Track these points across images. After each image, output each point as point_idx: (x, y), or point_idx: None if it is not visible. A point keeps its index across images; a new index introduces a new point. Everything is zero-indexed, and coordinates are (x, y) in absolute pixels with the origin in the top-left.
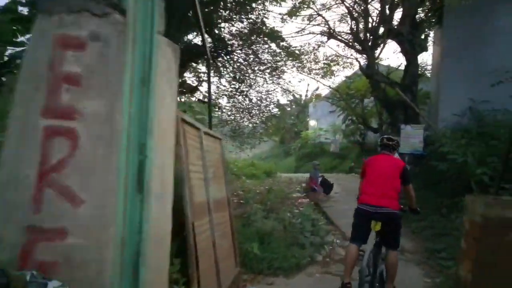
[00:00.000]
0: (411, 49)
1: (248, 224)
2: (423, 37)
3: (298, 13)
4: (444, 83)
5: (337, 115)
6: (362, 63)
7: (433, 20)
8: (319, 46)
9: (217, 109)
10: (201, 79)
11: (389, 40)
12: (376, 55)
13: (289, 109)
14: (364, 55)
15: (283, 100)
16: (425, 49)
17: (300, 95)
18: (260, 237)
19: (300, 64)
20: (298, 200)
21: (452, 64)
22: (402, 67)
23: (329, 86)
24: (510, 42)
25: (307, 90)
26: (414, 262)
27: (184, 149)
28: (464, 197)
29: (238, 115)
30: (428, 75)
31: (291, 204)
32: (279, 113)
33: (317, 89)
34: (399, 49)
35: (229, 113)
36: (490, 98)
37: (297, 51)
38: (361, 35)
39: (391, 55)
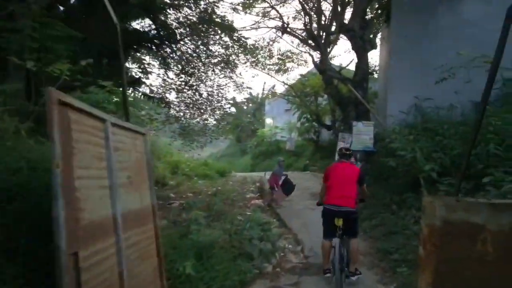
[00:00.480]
0: (362, 46)
1: (187, 235)
2: (372, 36)
3: (253, 6)
4: (391, 81)
5: (293, 113)
6: (315, 59)
7: (382, 18)
8: (273, 41)
9: (163, 105)
10: (146, 70)
11: (342, 37)
12: (329, 51)
13: (245, 107)
14: (318, 52)
15: (240, 98)
16: (374, 46)
17: (258, 93)
18: (197, 252)
19: (254, 59)
20: (251, 202)
21: (399, 62)
22: (353, 65)
23: (284, 83)
24: (453, 40)
25: (263, 88)
26: (367, 265)
27: (65, 146)
28: (412, 194)
29: (187, 111)
30: (376, 76)
31: (243, 207)
32: (234, 111)
33: (273, 87)
34: (351, 47)
35: (177, 108)
36: (435, 95)
37: (251, 45)
38: (315, 31)
39: (343, 54)
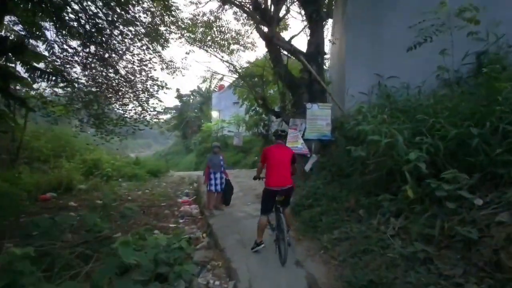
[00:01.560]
0: (316, 15)
1: None
2: (327, 3)
3: None
4: (348, 60)
5: (240, 105)
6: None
7: None
8: (216, 18)
9: (65, 83)
10: (37, 34)
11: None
12: (278, 20)
13: (191, 100)
14: (265, 24)
15: (185, 91)
16: (330, 15)
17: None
18: None
19: (191, 34)
20: (181, 208)
21: (356, 37)
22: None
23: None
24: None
25: (210, 80)
26: None
27: None
28: (388, 194)
29: (100, 93)
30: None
31: (170, 216)
32: (179, 104)
33: (221, 79)
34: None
35: (86, 89)
36: (399, 73)
37: (188, 20)
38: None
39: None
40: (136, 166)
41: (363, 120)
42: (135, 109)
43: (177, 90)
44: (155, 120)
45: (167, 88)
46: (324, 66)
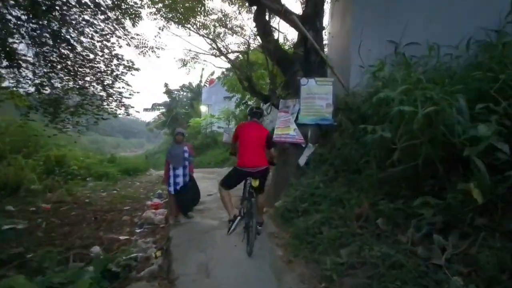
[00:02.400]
0: None
1: None
2: None
3: None
4: (354, 24)
5: (230, 97)
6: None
7: None
8: None
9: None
10: None
11: None
12: None
13: (181, 95)
14: None
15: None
16: None
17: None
18: None
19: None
20: (143, 214)
21: (362, 5)
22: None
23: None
24: None
25: (201, 75)
26: None
27: None
28: (430, 197)
29: (53, 74)
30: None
31: (128, 223)
32: (167, 100)
33: (212, 73)
34: None
35: (36, 70)
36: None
37: None
38: None
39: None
40: (110, 164)
41: (383, 86)
42: (97, 94)
43: (166, 85)
44: (122, 108)
45: (134, 69)
46: (323, 33)
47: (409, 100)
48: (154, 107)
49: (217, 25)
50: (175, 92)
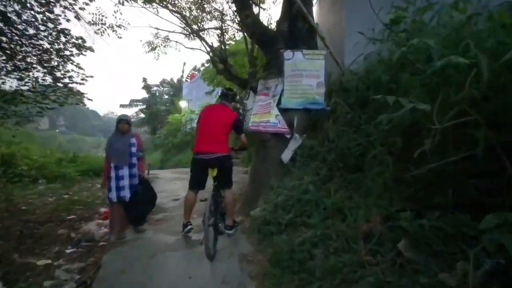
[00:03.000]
0: None
1: None
2: None
3: None
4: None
5: (211, 90)
6: None
7: None
8: None
9: None
10: None
11: None
12: None
13: (162, 90)
14: None
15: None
16: None
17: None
18: None
19: None
20: (84, 227)
21: None
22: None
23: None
24: None
25: (183, 70)
26: None
27: None
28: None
29: None
30: None
31: (61, 239)
32: (146, 96)
33: (194, 68)
34: None
35: None
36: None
37: None
38: None
39: None
40: (71, 164)
41: (412, 34)
42: (40, 79)
43: (144, 79)
44: (72, 96)
45: (86, 48)
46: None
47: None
48: (132, 103)
49: (193, 8)
50: (155, 88)
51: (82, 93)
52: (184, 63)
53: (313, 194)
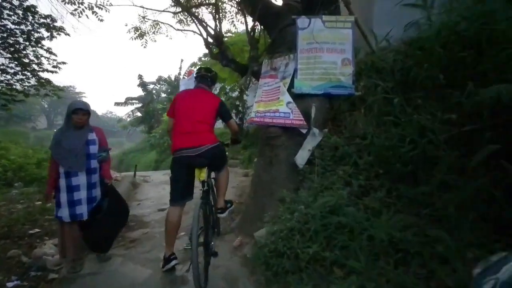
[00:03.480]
0: None
1: None
2: None
3: None
4: None
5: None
6: None
7: None
8: None
9: None
10: None
11: None
12: None
13: (159, 88)
14: None
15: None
16: None
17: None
18: None
19: None
20: (37, 249)
21: None
22: None
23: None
24: None
25: (180, 67)
26: None
27: None
28: None
29: None
30: None
31: (9, 264)
32: (142, 94)
33: (193, 65)
34: None
35: None
36: None
37: None
38: None
39: None
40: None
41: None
42: (4, 65)
43: (140, 76)
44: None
45: (56, 30)
46: None
47: None
48: (128, 101)
49: None
50: (151, 85)
51: (51, 83)
52: (182, 60)
53: (349, 214)
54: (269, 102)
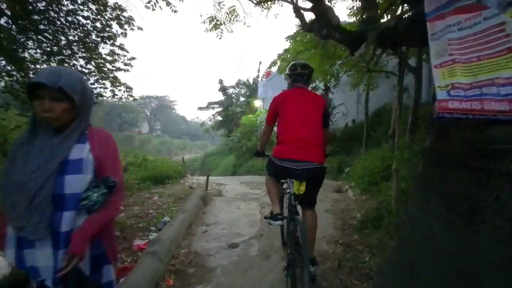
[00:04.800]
0: None
1: None
2: None
3: None
4: None
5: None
6: None
7: None
8: None
9: None
10: None
11: None
12: None
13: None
14: None
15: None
16: None
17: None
18: None
19: None
20: None
21: None
22: None
23: None
24: None
25: (258, 70)
26: None
27: None
28: None
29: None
30: None
31: None
32: (222, 98)
33: (271, 66)
34: None
35: None
36: None
37: None
38: None
39: None
40: (138, 169)
41: None
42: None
43: (220, 81)
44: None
45: (129, 22)
46: None
47: None
48: (209, 105)
49: None
50: (231, 89)
51: (126, 85)
52: (260, 62)
53: None
54: (482, 61)
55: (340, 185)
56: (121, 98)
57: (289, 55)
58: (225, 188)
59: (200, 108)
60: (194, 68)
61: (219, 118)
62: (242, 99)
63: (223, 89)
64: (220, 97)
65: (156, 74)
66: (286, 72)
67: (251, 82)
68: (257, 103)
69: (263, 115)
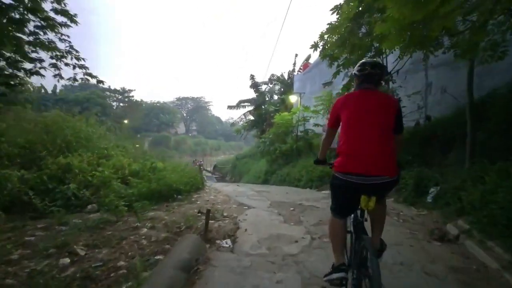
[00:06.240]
0: None
1: None
2: None
3: None
4: None
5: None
6: None
7: None
8: None
9: None
10: None
11: None
12: None
13: (269, 88)
14: None
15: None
16: None
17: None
18: None
19: None
20: None
21: None
22: None
23: None
24: None
25: (294, 63)
26: None
27: None
28: None
29: None
30: None
31: None
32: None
33: (308, 58)
34: None
35: None
36: None
37: None
38: None
39: None
40: (140, 181)
41: None
42: None
43: (252, 77)
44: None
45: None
46: None
47: None
48: (240, 104)
49: None
50: (263, 86)
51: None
52: (296, 55)
53: None
54: None
55: (442, 228)
56: (75, 79)
57: (340, 19)
58: (245, 215)
59: (230, 107)
60: (228, 66)
61: (251, 117)
62: (276, 97)
63: (255, 86)
64: (252, 94)
65: (191, 74)
66: (353, 72)
67: (286, 77)
68: (293, 98)
69: (300, 113)
